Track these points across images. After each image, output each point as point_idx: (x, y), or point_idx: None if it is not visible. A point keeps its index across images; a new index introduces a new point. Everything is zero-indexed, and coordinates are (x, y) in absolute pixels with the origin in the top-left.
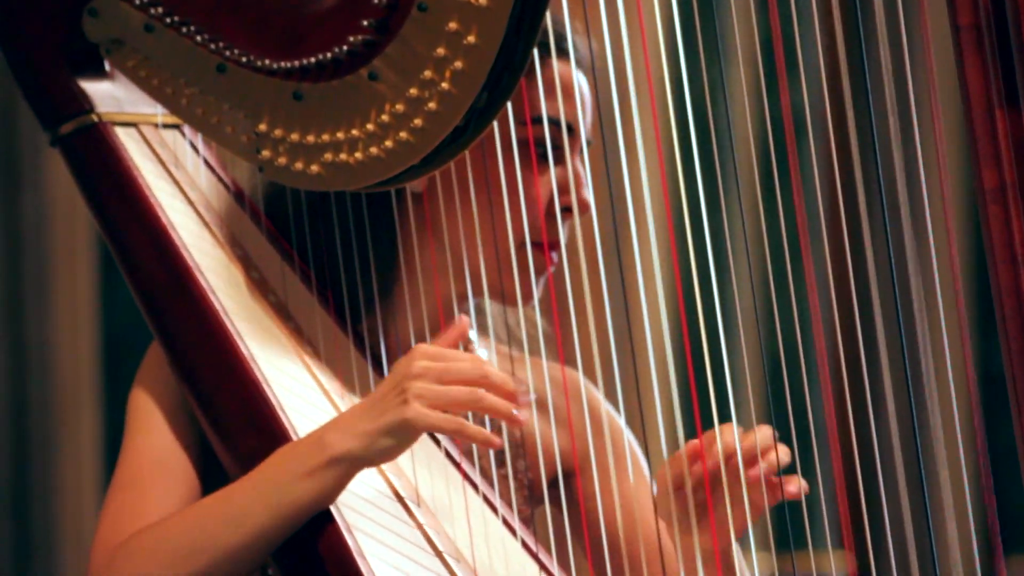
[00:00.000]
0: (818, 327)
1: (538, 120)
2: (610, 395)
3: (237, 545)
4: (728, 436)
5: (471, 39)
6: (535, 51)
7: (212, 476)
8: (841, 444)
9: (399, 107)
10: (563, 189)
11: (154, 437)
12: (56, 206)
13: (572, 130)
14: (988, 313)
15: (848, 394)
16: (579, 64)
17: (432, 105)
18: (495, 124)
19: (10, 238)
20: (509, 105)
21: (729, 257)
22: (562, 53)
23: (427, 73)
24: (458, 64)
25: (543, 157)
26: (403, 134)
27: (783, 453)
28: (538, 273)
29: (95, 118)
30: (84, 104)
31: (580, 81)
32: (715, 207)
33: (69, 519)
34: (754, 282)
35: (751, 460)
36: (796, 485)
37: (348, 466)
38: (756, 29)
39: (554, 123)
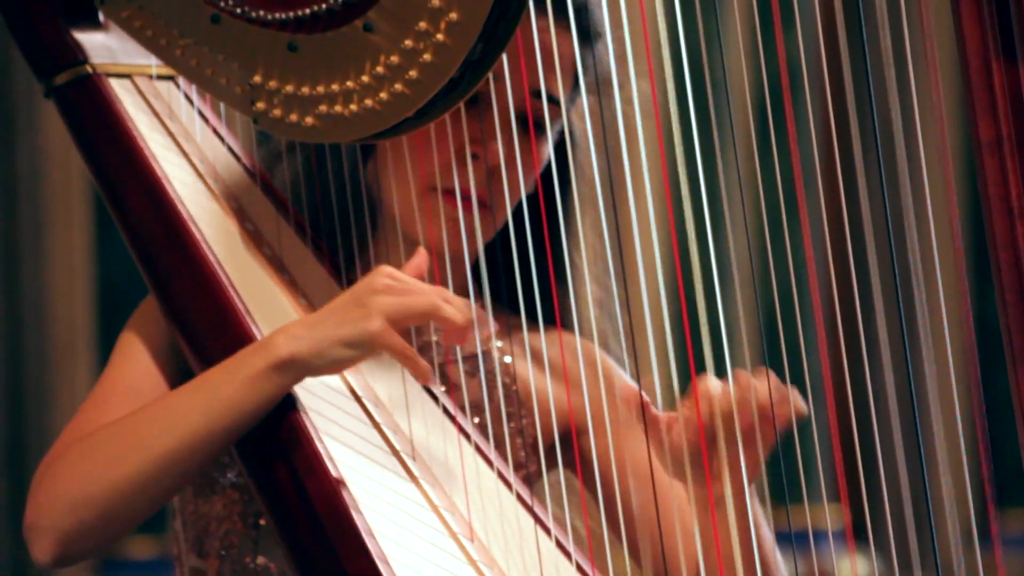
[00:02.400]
0: (813, 278)
1: None
2: (606, 347)
3: (170, 449)
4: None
5: None
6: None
7: None
8: (837, 397)
9: (394, 59)
10: (475, 138)
11: (132, 368)
12: (51, 157)
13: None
14: (982, 265)
15: (844, 346)
16: (583, 29)
17: (427, 56)
18: None
19: (5, 189)
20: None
21: (725, 208)
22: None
23: (422, 24)
24: (453, 15)
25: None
26: (398, 86)
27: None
28: (454, 224)
29: (89, 69)
30: (78, 55)
31: (556, 41)
32: (711, 158)
33: None
34: (750, 233)
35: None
36: (798, 404)
37: (295, 372)
38: None
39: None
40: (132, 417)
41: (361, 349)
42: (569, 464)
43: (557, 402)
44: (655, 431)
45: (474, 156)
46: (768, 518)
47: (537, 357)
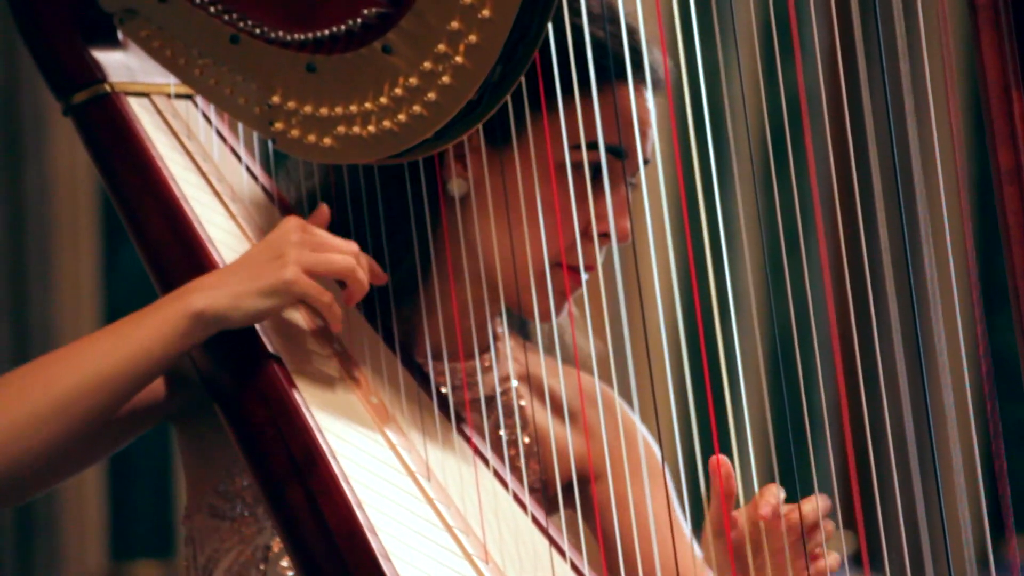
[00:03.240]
0: (831, 303)
1: (591, 146)
2: (617, 380)
3: (73, 387)
4: (773, 504)
5: (485, 13)
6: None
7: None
8: (851, 422)
9: (413, 80)
10: (603, 214)
11: None
12: (58, 182)
13: (626, 155)
14: (990, 294)
15: (860, 371)
16: (654, 85)
17: (446, 79)
18: (549, 142)
19: (13, 211)
20: (563, 125)
21: (743, 234)
22: (633, 73)
23: (441, 47)
24: (472, 38)
25: (591, 180)
26: (416, 108)
27: (829, 526)
28: (564, 294)
29: (108, 88)
30: (97, 73)
31: (649, 103)
32: (721, 188)
33: (71, 496)
34: (767, 258)
35: (803, 528)
36: (835, 559)
37: (208, 323)
38: (755, 9)
39: (609, 150)
40: (41, 358)
41: (277, 298)
42: (576, 508)
43: (567, 447)
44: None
45: (604, 235)
46: None
47: (552, 400)
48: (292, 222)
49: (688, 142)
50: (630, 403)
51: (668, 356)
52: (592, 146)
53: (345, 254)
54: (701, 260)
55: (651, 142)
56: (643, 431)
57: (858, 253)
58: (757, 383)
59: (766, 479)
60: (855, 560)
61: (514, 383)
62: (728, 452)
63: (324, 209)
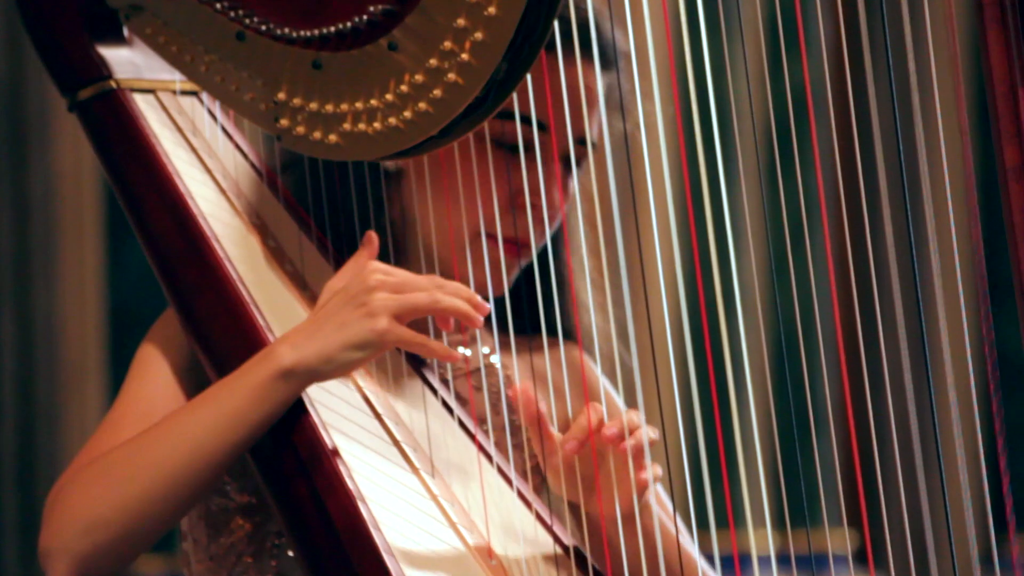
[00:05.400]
0: (834, 302)
1: (519, 117)
2: (613, 376)
3: (179, 466)
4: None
5: (491, 10)
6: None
7: None
8: (856, 420)
9: (418, 77)
10: (534, 188)
11: (149, 388)
12: (63, 179)
13: (546, 128)
14: (991, 290)
15: (865, 370)
16: (602, 59)
17: (451, 76)
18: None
19: (17, 211)
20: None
21: (747, 233)
22: (575, 48)
23: (447, 44)
24: (478, 35)
25: (519, 151)
26: (422, 104)
27: (651, 432)
28: (496, 266)
29: (113, 84)
30: (103, 70)
31: (587, 80)
32: (726, 183)
33: None
34: (770, 253)
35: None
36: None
37: (299, 380)
38: (760, 4)
39: (527, 122)
40: (141, 436)
41: (371, 349)
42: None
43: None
44: (551, 448)
45: (533, 206)
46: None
47: (538, 375)
48: (369, 266)
49: (693, 137)
50: (634, 398)
51: (672, 351)
52: (516, 117)
53: (425, 289)
54: (706, 255)
55: (597, 124)
56: (617, 399)
57: (863, 249)
58: (761, 378)
59: (770, 474)
60: (859, 557)
61: (494, 356)
62: (732, 447)
63: (373, 237)
